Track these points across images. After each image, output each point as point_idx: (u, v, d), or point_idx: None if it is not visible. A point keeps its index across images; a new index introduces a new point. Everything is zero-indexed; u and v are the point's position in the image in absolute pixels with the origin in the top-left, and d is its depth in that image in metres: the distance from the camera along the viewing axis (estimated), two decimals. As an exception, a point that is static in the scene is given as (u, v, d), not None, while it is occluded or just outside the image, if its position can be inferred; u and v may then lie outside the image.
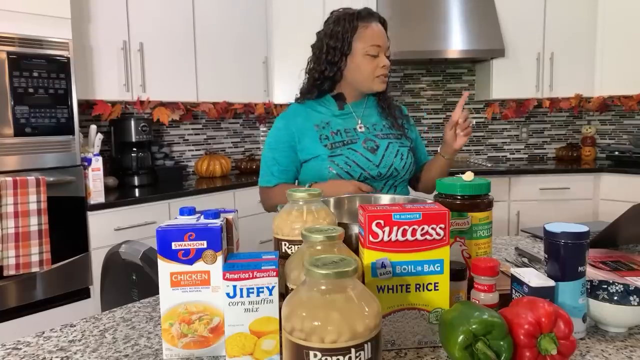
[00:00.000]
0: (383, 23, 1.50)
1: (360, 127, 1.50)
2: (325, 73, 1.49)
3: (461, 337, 0.65)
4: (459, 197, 0.89)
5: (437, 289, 0.75)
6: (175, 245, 0.72)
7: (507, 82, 3.65)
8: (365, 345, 0.55)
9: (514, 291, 0.79)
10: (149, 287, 1.22)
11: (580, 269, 0.77)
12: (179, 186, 3.04)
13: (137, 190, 2.90)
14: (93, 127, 2.61)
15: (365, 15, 1.46)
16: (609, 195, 3.38)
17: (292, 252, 0.81)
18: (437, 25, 3.43)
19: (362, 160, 1.44)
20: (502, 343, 0.65)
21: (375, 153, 1.45)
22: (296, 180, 1.55)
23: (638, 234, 1.23)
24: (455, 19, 3.46)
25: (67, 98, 2.35)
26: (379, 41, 1.45)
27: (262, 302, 0.68)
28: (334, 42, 1.45)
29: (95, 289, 2.48)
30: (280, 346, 0.69)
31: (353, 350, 0.54)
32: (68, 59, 2.36)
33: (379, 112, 1.55)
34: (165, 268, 0.73)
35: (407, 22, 3.43)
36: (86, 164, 2.49)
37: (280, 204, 1.40)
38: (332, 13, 1.51)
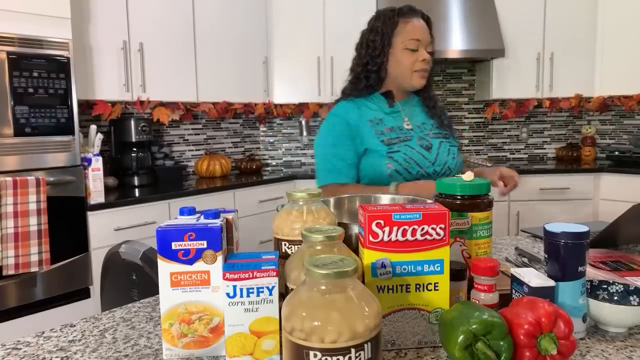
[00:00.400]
0: (427, 20, 1.50)
1: (407, 125, 1.49)
2: (368, 67, 1.49)
3: (461, 337, 0.65)
4: (459, 197, 0.89)
5: (437, 289, 0.75)
6: (175, 245, 0.72)
7: (507, 82, 3.65)
8: (365, 345, 0.55)
9: (514, 291, 0.79)
10: (149, 287, 1.23)
11: (580, 269, 0.77)
12: (179, 186, 3.04)
13: (137, 190, 2.90)
14: (93, 127, 2.61)
15: (407, 11, 1.47)
16: (609, 195, 3.38)
17: (292, 252, 0.81)
18: (437, 25, 3.42)
19: (419, 158, 1.43)
20: (502, 343, 0.65)
21: (430, 151, 1.45)
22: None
23: (638, 234, 1.23)
24: (455, 19, 3.46)
25: (67, 98, 2.35)
26: (419, 35, 1.45)
27: (262, 302, 0.68)
28: (374, 36, 1.47)
29: (95, 289, 2.48)
30: (280, 346, 0.69)
31: (353, 350, 0.54)
32: (68, 59, 2.36)
33: (425, 111, 1.55)
34: (165, 268, 0.73)
35: (407, 22, 3.43)
36: (86, 164, 2.49)
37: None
38: (376, 12, 1.53)
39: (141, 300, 1.01)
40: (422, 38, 1.45)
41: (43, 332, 0.86)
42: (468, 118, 4.06)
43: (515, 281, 0.79)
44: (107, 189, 2.77)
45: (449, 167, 1.47)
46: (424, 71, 1.48)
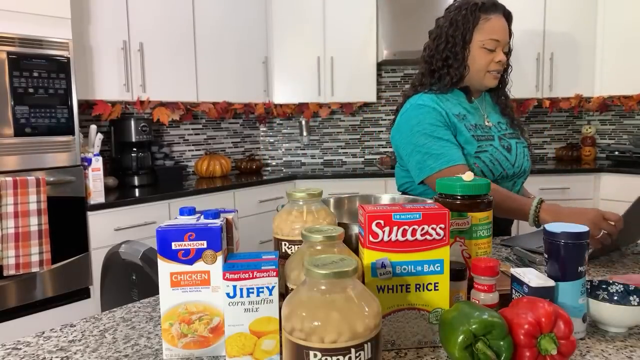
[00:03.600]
0: (507, 16, 1.42)
1: (488, 123, 1.45)
2: (449, 62, 1.41)
3: (461, 337, 0.65)
4: (459, 197, 0.89)
5: (437, 289, 0.75)
6: (175, 245, 0.72)
7: (507, 82, 3.65)
8: (365, 345, 0.55)
9: (514, 291, 0.79)
10: (149, 287, 1.23)
11: (580, 269, 0.77)
12: (179, 186, 3.04)
13: (137, 190, 2.90)
14: (93, 127, 2.61)
15: (489, 6, 1.39)
16: (609, 195, 3.38)
17: (292, 252, 0.81)
18: (437, 25, 3.42)
19: (502, 159, 1.40)
20: (502, 343, 0.65)
21: (510, 152, 1.42)
22: None
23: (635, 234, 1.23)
24: (455, 19, 3.46)
25: (67, 98, 2.35)
26: (498, 35, 1.38)
27: (262, 302, 0.68)
28: (454, 30, 1.40)
29: (95, 289, 2.48)
30: (280, 346, 0.69)
31: (353, 350, 0.54)
32: (68, 59, 2.36)
33: (497, 109, 1.52)
34: (165, 268, 0.73)
35: (407, 22, 3.43)
36: (86, 164, 2.49)
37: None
38: (455, 1, 1.45)
39: (141, 300, 1.01)
40: (501, 39, 1.39)
41: (43, 332, 0.86)
42: (468, 118, 4.06)
43: (515, 281, 0.79)
44: (107, 189, 2.77)
45: (525, 169, 1.44)
46: (498, 72, 1.42)
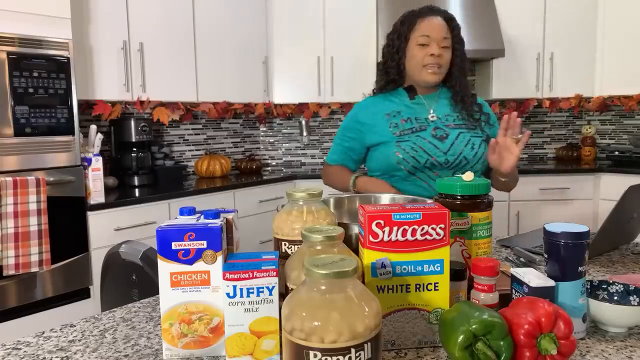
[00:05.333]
0: (449, 19, 1.54)
1: (432, 117, 1.54)
2: (387, 63, 1.59)
3: (461, 337, 0.65)
4: (459, 197, 0.89)
5: (437, 289, 0.75)
6: (175, 245, 0.72)
7: (507, 82, 3.65)
8: (365, 345, 0.55)
9: (514, 291, 0.79)
10: (149, 287, 1.23)
11: (580, 269, 0.77)
12: (179, 186, 3.04)
13: (137, 190, 2.90)
14: (93, 127, 2.61)
15: (426, 11, 1.54)
16: (609, 195, 3.38)
17: (292, 252, 0.81)
18: (437, 25, 3.42)
19: (429, 147, 1.47)
20: (502, 343, 0.65)
21: (443, 141, 1.49)
22: (361, 165, 1.68)
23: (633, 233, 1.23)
24: (455, 19, 3.46)
25: (67, 98, 2.35)
26: (429, 31, 1.50)
27: (262, 302, 0.68)
28: (393, 34, 1.58)
29: (95, 289, 2.48)
30: (280, 346, 0.69)
31: (353, 350, 0.54)
32: (68, 59, 2.36)
33: (452, 105, 1.57)
34: (165, 268, 0.73)
35: (407, 22, 3.43)
36: (86, 164, 2.49)
37: (332, 182, 1.68)
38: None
39: (141, 300, 1.01)
40: (432, 34, 1.50)
41: (43, 332, 0.86)
42: (468, 118, 4.06)
43: (515, 281, 0.79)
44: (107, 189, 2.77)
45: (465, 157, 1.49)
46: (434, 65, 1.50)
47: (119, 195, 2.69)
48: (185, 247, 0.72)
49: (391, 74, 1.58)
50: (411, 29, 1.53)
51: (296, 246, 0.81)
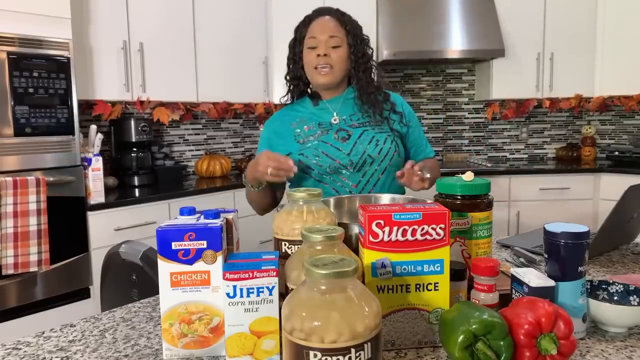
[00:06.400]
0: (340, 16, 1.50)
1: (335, 120, 1.51)
2: (289, 71, 1.56)
3: (461, 337, 0.65)
4: (459, 197, 0.89)
5: (437, 289, 0.75)
6: (175, 245, 0.72)
7: (507, 82, 3.65)
8: (365, 345, 0.55)
9: (514, 291, 0.79)
10: (149, 287, 1.23)
11: (580, 269, 0.77)
12: (179, 186, 3.04)
13: (137, 190, 2.90)
14: (93, 127, 2.61)
15: (313, 14, 1.53)
16: (609, 195, 3.38)
17: (292, 252, 0.81)
18: (437, 25, 3.43)
19: (331, 150, 1.45)
20: (502, 343, 0.65)
21: (345, 142, 1.46)
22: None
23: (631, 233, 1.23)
24: (455, 19, 3.46)
25: (67, 98, 2.35)
26: (315, 32, 1.48)
27: (262, 302, 0.68)
28: (292, 41, 1.56)
29: (95, 289, 2.47)
30: (280, 346, 0.69)
31: (353, 350, 0.54)
32: (68, 59, 2.36)
33: (357, 105, 1.54)
34: (165, 268, 0.73)
35: (407, 22, 3.43)
36: (86, 164, 2.49)
37: (251, 200, 1.56)
38: None
39: (141, 300, 1.01)
40: (318, 34, 1.47)
41: (43, 332, 0.86)
42: (468, 118, 4.06)
43: (515, 281, 0.79)
44: (107, 189, 2.77)
45: (369, 154, 1.45)
46: (324, 66, 1.46)
47: (119, 195, 2.69)
48: (185, 247, 0.72)
49: (294, 82, 1.56)
50: (303, 33, 1.51)
51: (296, 246, 0.81)
